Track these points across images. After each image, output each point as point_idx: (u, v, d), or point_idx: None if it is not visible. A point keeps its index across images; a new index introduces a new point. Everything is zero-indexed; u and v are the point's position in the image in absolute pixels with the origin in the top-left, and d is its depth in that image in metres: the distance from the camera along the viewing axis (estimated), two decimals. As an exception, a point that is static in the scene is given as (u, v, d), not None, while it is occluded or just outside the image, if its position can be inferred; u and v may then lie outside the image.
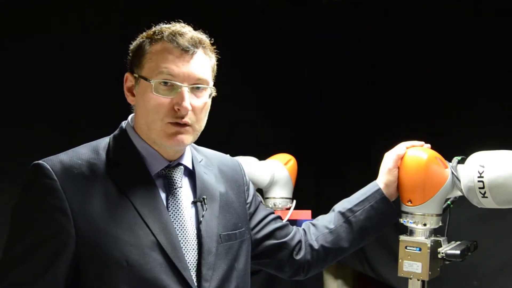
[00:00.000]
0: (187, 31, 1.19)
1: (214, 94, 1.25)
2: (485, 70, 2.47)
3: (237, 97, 2.94)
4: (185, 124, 1.17)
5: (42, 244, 1.09)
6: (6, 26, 2.32)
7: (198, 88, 1.18)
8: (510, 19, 2.39)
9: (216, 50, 1.26)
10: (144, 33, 1.22)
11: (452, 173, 1.37)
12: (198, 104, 1.18)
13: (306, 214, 2.45)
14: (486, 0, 2.51)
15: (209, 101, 1.23)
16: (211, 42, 1.24)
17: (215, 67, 1.26)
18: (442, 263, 1.39)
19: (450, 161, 1.40)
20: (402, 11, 2.96)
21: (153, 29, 1.21)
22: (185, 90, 1.15)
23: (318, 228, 1.47)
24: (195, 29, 1.23)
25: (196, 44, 1.18)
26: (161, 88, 1.16)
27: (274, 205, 2.48)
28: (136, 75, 1.20)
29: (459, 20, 2.61)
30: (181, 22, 1.23)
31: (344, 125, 3.43)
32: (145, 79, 1.17)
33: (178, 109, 1.15)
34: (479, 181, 1.26)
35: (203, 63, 1.19)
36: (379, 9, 3.14)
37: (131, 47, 1.23)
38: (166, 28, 1.19)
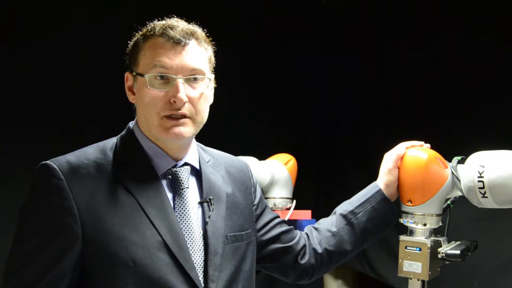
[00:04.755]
0: (179, 24, 1.19)
1: (213, 85, 1.24)
2: (485, 70, 2.47)
3: (237, 97, 2.94)
4: (183, 116, 1.17)
5: (49, 243, 1.09)
6: (9, 27, 2.32)
7: (194, 79, 1.18)
8: (510, 19, 2.39)
9: (215, 49, 1.25)
10: (139, 32, 1.23)
11: (452, 173, 1.37)
12: (195, 95, 1.18)
13: (306, 214, 2.45)
14: (486, 1, 2.51)
15: (208, 92, 1.23)
16: (206, 34, 1.23)
17: (213, 58, 1.25)
18: (442, 263, 1.39)
19: (450, 161, 1.40)
20: (402, 11, 2.96)
21: (147, 26, 1.22)
22: (180, 81, 1.15)
23: (320, 232, 1.47)
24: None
25: (188, 35, 1.18)
26: (156, 82, 1.16)
27: (274, 205, 2.48)
28: (134, 73, 1.21)
29: (460, 21, 2.62)
30: (174, 17, 1.23)
31: (344, 125, 3.43)
32: (141, 75, 1.18)
33: (174, 101, 1.15)
34: (479, 181, 1.26)
35: (196, 54, 1.19)
36: (379, 9, 3.14)
37: (128, 46, 1.24)
38: (159, 23, 1.20)
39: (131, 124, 1.27)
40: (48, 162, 1.14)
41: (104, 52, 2.40)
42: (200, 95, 1.19)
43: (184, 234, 1.16)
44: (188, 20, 1.25)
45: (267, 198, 2.51)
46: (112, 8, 2.62)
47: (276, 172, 2.46)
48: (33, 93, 2.36)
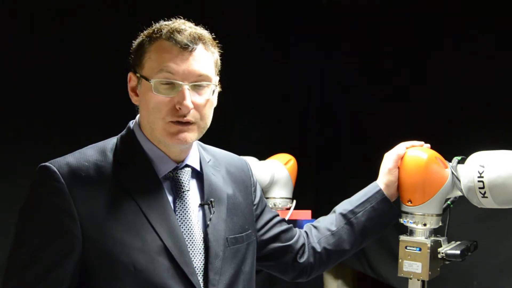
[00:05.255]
0: (186, 28, 1.16)
1: (218, 89, 1.23)
2: (485, 70, 2.47)
3: (237, 97, 2.94)
4: (188, 122, 1.16)
5: (49, 246, 1.08)
6: (8, 25, 2.31)
7: (200, 85, 1.16)
8: (510, 19, 2.39)
9: (221, 51, 1.24)
10: (145, 32, 1.20)
11: (452, 173, 1.37)
12: (201, 102, 1.16)
13: (306, 214, 2.45)
14: (486, 1, 2.51)
15: (213, 97, 1.21)
16: (213, 37, 1.22)
17: (219, 61, 1.23)
18: (442, 263, 1.39)
19: (450, 161, 1.40)
20: (402, 11, 2.96)
21: (153, 27, 1.19)
22: (186, 88, 1.13)
23: (320, 230, 1.47)
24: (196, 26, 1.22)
25: (195, 40, 1.15)
26: (161, 87, 1.14)
27: (274, 205, 2.48)
28: (138, 75, 1.18)
29: (460, 20, 2.62)
30: (181, 18, 1.21)
31: (344, 125, 3.43)
32: (146, 78, 1.16)
33: (180, 108, 1.13)
34: (479, 181, 1.26)
35: (203, 59, 1.17)
36: (379, 9, 3.14)
37: (133, 46, 1.21)
38: (165, 25, 1.17)
39: (131, 123, 1.25)
40: (47, 164, 1.12)
41: (104, 52, 2.41)
42: (206, 102, 1.18)
43: (185, 238, 1.15)
44: (189, 20, 1.23)
45: (267, 198, 2.51)
46: (111, 9, 2.61)
47: (276, 172, 2.46)
48: (33, 93, 2.35)
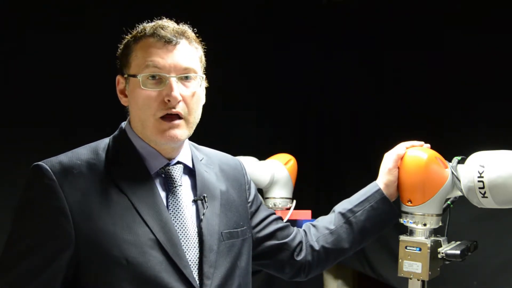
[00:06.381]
0: (169, 24, 1.20)
1: (205, 84, 1.25)
2: (485, 70, 2.48)
3: (237, 97, 2.95)
4: (178, 117, 1.17)
5: (42, 244, 1.09)
6: (6, 25, 2.32)
7: (186, 77, 1.19)
8: (510, 20, 2.39)
9: (206, 48, 1.26)
10: (129, 34, 1.23)
11: (452, 173, 1.37)
12: (188, 94, 1.18)
13: (306, 214, 2.45)
14: (486, 1, 2.51)
15: (200, 91, 1.23)
16: (196, 34, 1.24)
17: (203, 58, 1.26)
18: (442, 263, 1.39)
19: (450, 161, 1.40)
20: (401, 11, 2.96)
21: (137, 28, 1.23)
22: (173, 80, 1.16)
23: (318, 229, 1.47)
24: (194, 30, 1.24)
25: (179, 35, 1.19)
26: (149, 82, 1.16)
27: (274, 205, 2.48)
28: (126, 75, 1.21)
29: (459, 20, 2.62)
30: (163, 18, 1.24)
31: (344, 125, 3.43)
32: (133, 76, 1.18)
33: (168, 100, 1.15)
34: (479, 181, 1.26)
35: (188, 53, 1.20)
36: (379, 9, 3.14)
37: (119, 50, 1.24)
38: (148, 25, 1.21)
39: (123, 124, 1.27)
40: (40, 163, 1.14)
41: (104, 52, 2.40)
42: (192, 94, 1.20)
43: (178, 232, 1.16)
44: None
45: (267, 198, 2.51)
46: (112, 9, 2.61)
47: (276, 172, 2.46)
48: (33, 93, 2.36)
